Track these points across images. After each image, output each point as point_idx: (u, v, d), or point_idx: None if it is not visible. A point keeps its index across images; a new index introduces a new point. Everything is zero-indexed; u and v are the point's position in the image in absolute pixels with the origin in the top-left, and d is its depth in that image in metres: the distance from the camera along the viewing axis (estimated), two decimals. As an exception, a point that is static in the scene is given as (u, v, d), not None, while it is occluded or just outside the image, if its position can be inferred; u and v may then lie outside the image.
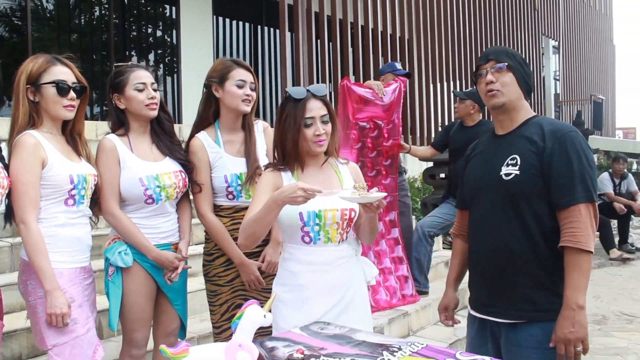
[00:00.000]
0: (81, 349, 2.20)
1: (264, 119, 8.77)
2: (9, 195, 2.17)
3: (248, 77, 2.61)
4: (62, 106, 2.24)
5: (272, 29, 10.43)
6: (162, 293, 2.57)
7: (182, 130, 5.31)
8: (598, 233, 8.11)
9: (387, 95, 4.45)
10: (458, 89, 9.72)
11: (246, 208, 2.59)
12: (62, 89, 2.22)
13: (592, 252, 1.93)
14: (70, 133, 2.36)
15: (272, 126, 2.63)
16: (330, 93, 7.71)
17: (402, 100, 4.62)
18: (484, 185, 2.12)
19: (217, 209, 2.65)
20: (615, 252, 8.06)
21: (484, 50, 11.33)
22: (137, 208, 2.50)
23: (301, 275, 2.15)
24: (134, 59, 8.64)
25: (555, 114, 16.87)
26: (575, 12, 18.89)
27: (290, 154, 2.16)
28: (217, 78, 2.62)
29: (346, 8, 7.68)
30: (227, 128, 2.67)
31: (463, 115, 4.77)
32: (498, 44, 11.78)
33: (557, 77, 18.19)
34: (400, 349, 1.58)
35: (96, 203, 2.44)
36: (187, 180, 2.61)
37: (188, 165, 2.61)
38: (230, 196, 2.63)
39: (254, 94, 2.63)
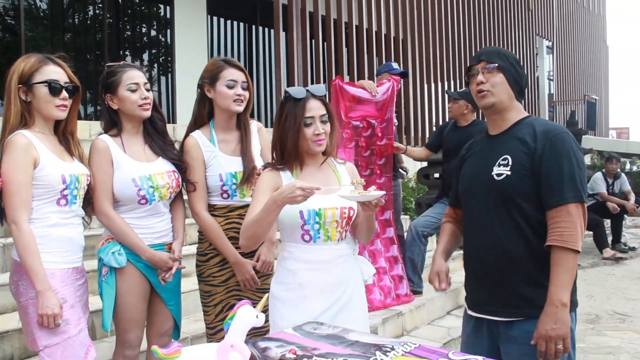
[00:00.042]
0: (73, 350, 2.19)
1: (258, 118, 8.78)
2: (0, 196, 2.16)
3: (239, 76, 2.60)
4: (54, 106, 2.23)
5: (266, 29, 10.42)
6: (156, 293, 2.57)
7: (177, 130, 5.30)
8: (591, 233, 8.15)
9: (379, 94, 4.45)
10: (452, 89, 9.74)
11: (241, 207, 2.62)
12: (54, 88, 2.21)
13: (578, 252, 1.95)
14: (63, 133, 2.34)
15: (266, 126, 2.62)
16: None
17: (395, 99, 4.62)
18: (477, 185, 2.14)
19: (211, 208, 2.65)
20: (608, 252, 8.10)
21: (477, 50, 11.38)
22: (130, 208, 2.49)
23: (300, 273, 2.16)
24: (128, 59, 8.61)
25: (549, 114, 16.93)
26: (568, 12, 18.97)
27: (290, 153, 2.17)
28: (208, 79, 2.61)
29: (340, 8, 7.69)
30: (221, 127, 2.66)
31: (456, 115, 4.77)
32: (492, 44, 11.81)
33: (551, 77, 18.26)
34: (393, 349, 1.58)
35: (89, 203, 2.43)
36: (180, 180, 2.60)
37: (181, 165, 2.60)
38: (225, 195, 2.63)
39: (246, 94, 2.62)
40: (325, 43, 7.68)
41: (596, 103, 20.30)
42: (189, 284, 3.49)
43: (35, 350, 2.20)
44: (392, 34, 8.80)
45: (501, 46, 12.20)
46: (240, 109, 2.62)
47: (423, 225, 4.76)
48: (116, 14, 8.61)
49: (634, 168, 16.48)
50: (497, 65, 2.08)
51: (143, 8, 8.99)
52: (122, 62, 2.54)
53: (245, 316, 1.44)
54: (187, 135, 2.68)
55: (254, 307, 1.49)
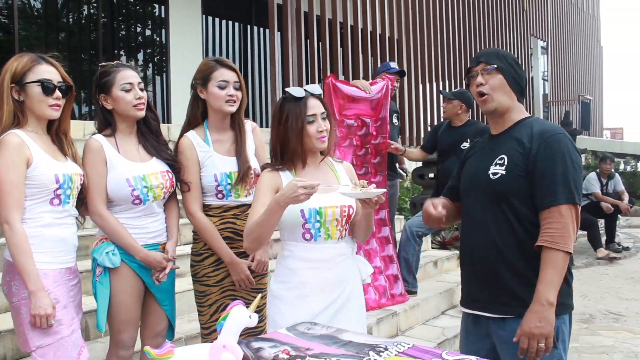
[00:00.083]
0: (66, 351, 2.18)
1: (253, 118, 8.77)
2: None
3: (231, 76, 2.59)
4: (47, 105, 2.22)
5: (261, 29, 10.41)
6: (150, 293, 2.56)
7: (171, 130, 5.29)
8: (586, 232, 8.18)
9: (373, 92, 4.45)
10: (446, 90, 9.76)
11: (236, 207, 2.62)
12: (47, 88, 2.20)
13: (570, 253, 1.95)
14: (56, 132, 2.33)
15: (261, 126, 2.62)
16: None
17: (389, 98, 4.62)
18: (475, 183, 2.15)
19: (206, 208, 2.64)
20: (602, 252, 8.13)
21: (472, 50, 11.44)
22: (124, 209, 2.48)
23: (301, 272, 2.17)
24: (123, 59, 8.59)
25: (543, 114, 16.98)
26: (563, 13, 19.04)
27: (294, 151, 2.18)
28: (200, 80, 2.61)
29: (335, 8, 7.69)
30: (215, 128, 2.66)
31: (451, 115, 4.78)
32: (487, 45, 11.84)
33: (546, 78, 18.32)
34: (386, 349, 1.58)
35: (83, 203, 2.42)
36: (174, 180, 2.60)
37: (175, 165, 2.59)
38: (220, 195, 2.62)
39: (238, 94, 2.61)
40: (320, 43, 7.69)
41: (590, 103, 20.37)
42: (184, 284, 3.48)
43: (28, 351, 2.19)
44: (387, 34, 8.81)
45: (496, 46, 12.24)
46: (233, 109, 2.61)
47: (417, 225, 4.76)
48: (111, 14, 8.58)
49: (628, 168, 16.57)
50: (495, 66, 2.08)
51: (138, 7, 8.97)
52: (115, 62, 2.53)
53: (238, 316, 1.44)
54: (181, 135, 2.67)
55: (248, 307, 1.49)
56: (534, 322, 1.91)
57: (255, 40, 10.46)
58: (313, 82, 7.20)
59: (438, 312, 4.92)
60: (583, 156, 14.34)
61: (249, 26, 10.34)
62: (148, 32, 9.08)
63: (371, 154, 4.55)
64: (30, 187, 2.17)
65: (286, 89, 2.22)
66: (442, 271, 5.84)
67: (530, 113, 2.24)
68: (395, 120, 5.04)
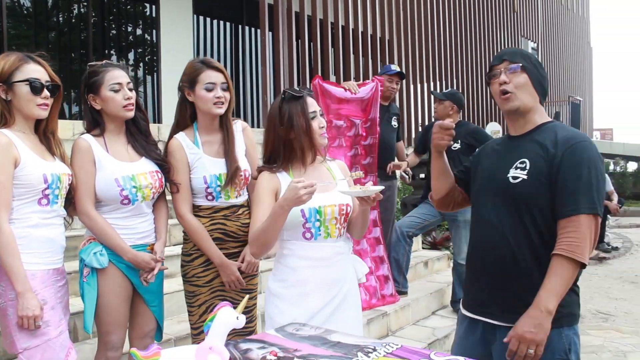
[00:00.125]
0: (53, 352, 2.17)
1: (244, 118, 8.74)
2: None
3: (218, 78, 2.56)
4: (35, 105, 2.20)
5: (252, 29, 10.39)
6: (138, 294, 2.55)
7: (162, 130, 5.26)
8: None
9: (361, 92, 4.45)
10: (437, 90, 9.79)
11: (226, 208, 2.62)
12: (35, 87, 2.19)
13: (584, 265, 1.89)
14: (44, 132, 2.32)
15: (252, 126, 2.62)
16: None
17: (379, 99, 4.63)
18: (492, 185, 2.08)
19: (196, 209, 2.63)
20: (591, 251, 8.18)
21: (463, 51, 11.47)
22: (113, 209, 2.47)
23: (301, 270, 2.19)
24: (114, 58, 8.54)
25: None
26: (553, 14, 19.15)
27: (303, 148, 2.20)
28: (187, 82, 2.58)
29: (327, 8, 7.69)
30: (204, 129, 2.64)
31: (442, 116, 4.79)
32: (477, 46, 11.89)
33: (536, 79, 18.37)
34: (374, 349, 1.58)
35: (71, 203, 2.41)
36: (163, 180, 2.59)
37: (164, 165, 2.58)
38: (210, 197, 2.61)
39: (226, 95, 2.59)
40: (311, 43, 7.68)
41: (580, 104, 20.49)
42: (173, 284, 3.47)
43: (15, 352, 2.17)
44: (379, 35, 8.82)
45: (486, 47, 12.30)
46: (221, 111, 2.59)
47: (408, 226, 4.77)
48: (101, 13, 8.54)
49: (617, 169, 16.69)
50: (521, 65, 2.02)
51: (129, 7, 8.92)
52: (104, 62, 2.51)
53: (225, 318, 1.43)
54: (170, 137, 2.65)
55: (235, 308, 1.49)
56: (529, 327, 1.86)
57: (247, 40, 10.44)
58: (304, 82, 7.19)
59: (428, 312, 4.93)
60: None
61: (240, 26, 10.32)
62: (139, 32, 9.04)
63: (361, 155, 4.55)
64: (18, 187, 2.15)
65: (286, 89, 2.24)
66: (432, 271, 5.85)
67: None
68: (394, 123, 5.04)
